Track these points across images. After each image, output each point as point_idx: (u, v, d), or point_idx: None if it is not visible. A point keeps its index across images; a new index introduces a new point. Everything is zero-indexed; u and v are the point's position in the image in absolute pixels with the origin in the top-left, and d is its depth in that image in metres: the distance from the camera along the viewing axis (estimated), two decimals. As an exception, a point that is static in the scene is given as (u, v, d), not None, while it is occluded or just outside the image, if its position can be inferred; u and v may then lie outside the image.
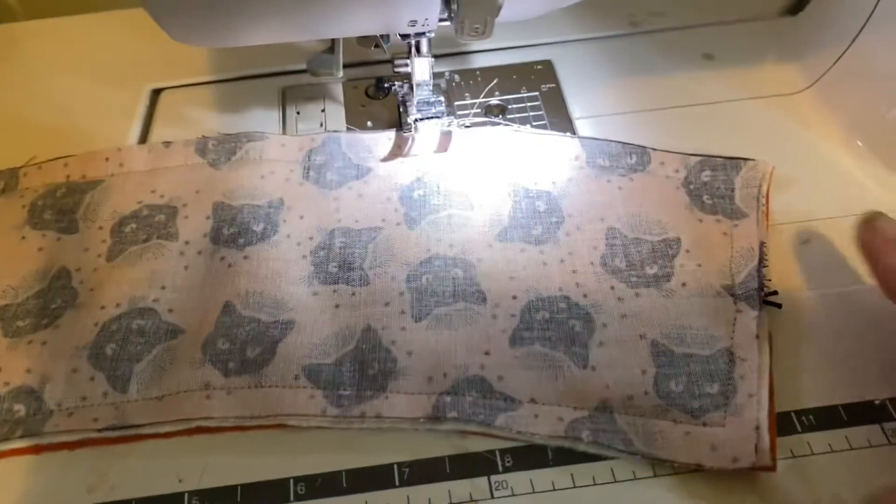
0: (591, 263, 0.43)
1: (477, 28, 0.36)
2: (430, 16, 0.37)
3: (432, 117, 0.50)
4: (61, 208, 0.47)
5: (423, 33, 0.45)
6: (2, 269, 0.45)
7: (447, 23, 0.40)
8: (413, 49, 0.47)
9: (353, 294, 0.43)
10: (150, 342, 0.41)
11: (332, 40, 0.45)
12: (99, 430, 0.38)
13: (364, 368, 0.40)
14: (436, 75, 0.50)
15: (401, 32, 0.42)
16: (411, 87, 0.50)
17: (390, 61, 0.49)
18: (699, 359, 0.39)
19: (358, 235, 0.45)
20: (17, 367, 0.40)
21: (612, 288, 0.42)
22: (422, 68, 0.48)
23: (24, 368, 0.40)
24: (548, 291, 0.42)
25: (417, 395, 0.39)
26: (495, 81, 0.54)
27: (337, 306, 0.42)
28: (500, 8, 0.36)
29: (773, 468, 0.35)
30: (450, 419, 0.37)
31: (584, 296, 0.41)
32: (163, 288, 0.43)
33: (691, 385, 0.38)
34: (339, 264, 0.44)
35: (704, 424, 0.37)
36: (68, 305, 0.43)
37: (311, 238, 0.45)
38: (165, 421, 0.38)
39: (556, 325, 0.40)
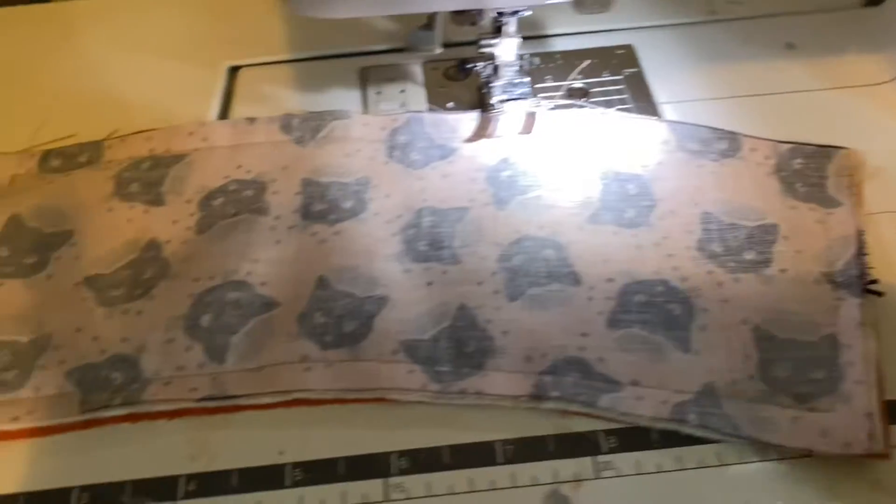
0: (688, 248, 0.42)
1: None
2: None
3: (517, 98, 0.50)
4: (147, 181, 0.47)
5: (516, 12, 0.45)
6: (92, 242, 0.45)
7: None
8: (500, 30, 0.47)
9: (445, 272, 0.42)
10: (245, 314, 0.41)
11: (430, 17, 0.45)
12: (197, 400, 0.38)
13: (461, 346, 0.39)
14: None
15: (508, 8, 0.42)
16: (495, 69, 0.50)
17: (474, 42, 0.48)
18: (803, 344, 0.38)
19: (445, 215, 0.45)
20: (113, 335, 0.40)
21: (711, 273, 0.41)
22: (509, 49, 0.48)
23: (119, 337, 0.40)
24: (644, 275, 0.41)
25: (516, 374, 0.38)
26: (587, 63, 0.54)
27: (429, 284, 0.42)
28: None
29: (887, 456, 0.35)
30: (552, 398, 0.37)
31: (682, 280, 0.41)
32: (255, 261, 0.43)
33: (797, 370, 0.37)
34: (428, 243, 0.44)
35: (812, 410, 0.36)
36: (161, 276, 0.43)
37: (399, 216, 0.45)
38: (265, 392, 0.38)
39: (654, 308, 0.40)
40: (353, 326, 0.40)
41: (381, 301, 0.41)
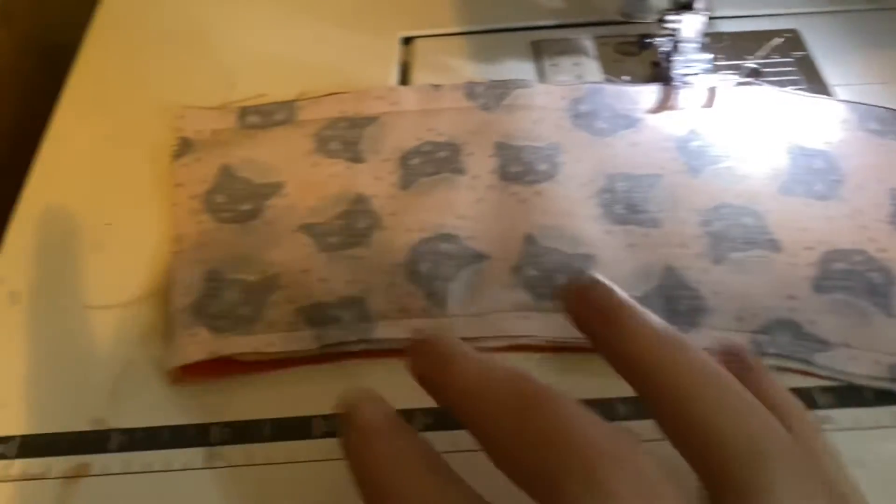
0: (879, 221, 0.44)
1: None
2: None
3: (700, 73, 0.51)
4: (345, 139, 0.50)
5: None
6: (302, 192, 0.47)
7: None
8: (687, 6, 0.49)
9: (646, 235, 0.44)
10: (458, 264, 0.43)
11: (642, -14, 0.47)
12: None
13: (672, 304, 0.41)
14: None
15: None
16: (675, 44, 0.52)
17: (660, 20, 0.50)
18: None
19: (639, 181, 0.47)
20: (338, 277, 0.43)
21: None
22: (694, 24, 0.50)
23: (344, 279, 0.42)
24: (841, 244, 0.43)
25: (730, 333, 0.40)
26: (778, 41, 0.55)
27: (631, 245, 0.44)
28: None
29: None
30: (771, 355, 0.39)
31: (880, 251, 0.43)
32: (461, 217, 0.45)
33: None
34: (625, 206, 0.45)
35: None
36: (374, 227, 0.45)
37: (592, 181, 0.47)
38: (491, 336, 0.40)
39: (855, 276, 0.42)
40: (566, 280, 0.42)
41: (588, 259, 0.43)
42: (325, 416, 0.39)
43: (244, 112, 0.52)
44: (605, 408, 0.39)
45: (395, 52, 0.58)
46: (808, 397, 0.39)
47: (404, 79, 0.57)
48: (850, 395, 0.39)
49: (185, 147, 0.50)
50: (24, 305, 0.44)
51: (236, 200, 0.47)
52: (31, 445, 0.38)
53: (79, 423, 0.39)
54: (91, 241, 0.47)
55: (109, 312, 0.44)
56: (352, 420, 0.27)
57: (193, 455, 0.38)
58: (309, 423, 0.39)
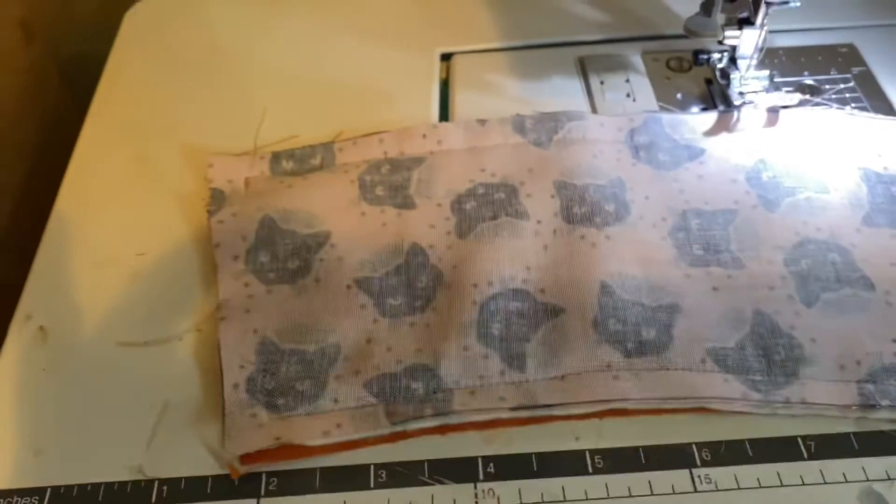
0: None
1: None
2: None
3: (760, 91, 0.49)
4: (392, 184, 0.47)
5: (787, 2, 0.44)
6: (351, 244, 0.44)
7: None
8: (747, 20, 0.47)
9: (730, 276, 0.41)
10: (532, 323, 0.40)
11: (707, 2, 0.44)
12: (511, 410, 0.37)
13: (769, 354, 0.38)
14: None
15: None
16: (732, 60, 0.50)
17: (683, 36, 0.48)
18: None
19: (713, 217, 0.44)
20: (407, 346, 0.39)
21: None
22: (756, 40, 0.48)
23: (413, 348, 0.39)
24: None
25: (835, 383, 0.37)
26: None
27: (714, 289, 0.41)
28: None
29: None
30: (884, 407, 0.36)
31: None
32: (528, 268, 0.42)
33: None
34: (702, 246, 0.43)
35: None
36: (437, 285, 0.42)
37: (663, 219, 0.44)
38: (580, 402, 0.37)
39: None
40: (653, 335, 0.39)
41: (673, 308, 0.40)
42: (380, 465, 0.36)
43: (277, 157, 0.49)
44: (683, 453, 0.36)
45: (434, 69, 0.56)
46: (901, 441, 0.36)
47: (444, 98, 0.54)
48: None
49: (219, 201, 0.46)
50: (55, 342, 0.42)
51: (282, 258, 0.43)
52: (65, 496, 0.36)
53: (116, 472, 0.37)
54: (123, 273, 0.44)
55: (144, 350, 0.41)
56: None
57: (241, 507, 0.35)
58: (367, 471, 0.36)
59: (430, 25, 0.59)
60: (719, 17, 0.45)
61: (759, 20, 0.47)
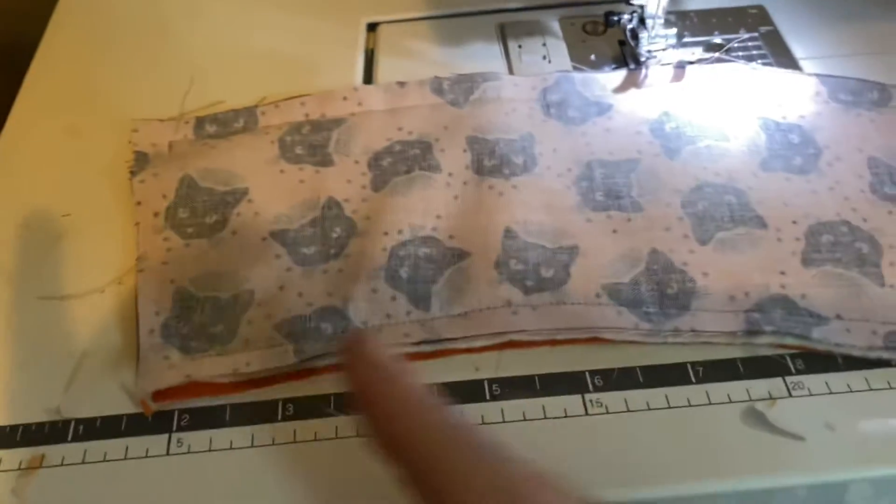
0: (861, 191, 0.44)
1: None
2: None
3: (666, 48, 0.51)
4: (311, 143, 0.48)
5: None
6: (269, 199, 0.45)
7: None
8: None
9: (629, 220, 0.43)
10: (439, 266, 0.42)
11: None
12: (414, 344, 0.39)
13: (662, 288, 0.40)
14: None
15: None
16: (642, 21, 0.51)
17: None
18: None
19: (617, 166, 0.46)
20: (318, 290, 0.41)
21: (890, 213, 0.42)
22: (661, 0, 0.49)
23: (324, 292, 0.41)
24: (826, 217, 0.42)
25: (723, 313, 0.39)
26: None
27: (615, 231, 0.43)
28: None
29: None
30: (767, 332, 0.38)
31: (864, 220, 0.42)
32: (438, 217, 0.44)
33: None
34: (604, 193, 0.45)
35: None
36: (350, 234, 0.43)
37: (569, 169, 0.46)
38: (479, 335, 0.39)
39: (842, 247, 0.41)
40: (552, 273, 0.41)
41: (572, 250, 0.42)
42: (288, 399, 0.38)
43: (201, 122, 0.50)
44: (578, 379, 0.38)
45: (360, 39, 0.57)
46: (782, 364, 0.38)
47: (369, 66, 0.56)
48: (820, 361, 0.38)
49: (141, 162, 0.48)
50: (-19, 298, 0.43)
51: (200, 213, 0.45)
52: (-15, 438, 0.37)
53: (35, 415, 0.38)
54: (49, 234, 0.46)
55: (66, 303, 0.42)
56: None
57: (153, 442, 0.37)
58: (276, 405, 0.38)
59: (357, -3, 0.60)
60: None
61: (663, -20, 0.49)
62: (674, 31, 0.52)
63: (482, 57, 0.55)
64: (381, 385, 0.28)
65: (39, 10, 0.63)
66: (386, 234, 0.43)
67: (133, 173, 0.47)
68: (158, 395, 0.38)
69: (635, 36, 0.52)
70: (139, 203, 0.46)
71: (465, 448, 0.26)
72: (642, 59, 0.51)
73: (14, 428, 0.38)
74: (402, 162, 0.47)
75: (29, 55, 0.59)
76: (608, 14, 0.53)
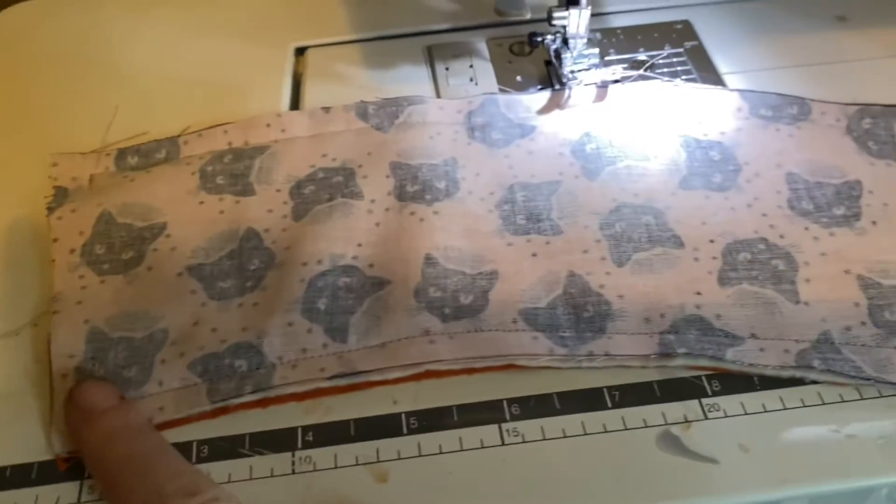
0: (780, 207, 0.44)
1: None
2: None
3: (589, 68, 0.51)
4: (232, 173, 0.48)
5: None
6: (186, 233, 0.45)
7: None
8: (574, 1, 0.49)
9: (548, 243, 0.43)
10: (359, 296, 0.41)
11: (517, -16, 0.46)
12: (328, 379, 0.38)
13: (579, 312, 0.40)
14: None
15: None
16: (565, 41, 0.52)
17: (544, 19, 0.50)
18: None
19: (538, 189, 0.46)
20: (232, 326, 0.40)
21: (807, 229, 0.43)
22: (582, 20, 0.50)
23: (239, 327, 0.40)
24: (744, 234, 0.43)
25: (638, 336, 0.39)
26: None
27: (534, 255, 0.43)
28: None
29: None
30: (680, 355, 0.38)
31: (781, 237, 0.42)
32: (359, 245, 0.43)
33: None
34: (525, 216, 0.45)
35: None
36: (268, 266, 0.43)
37: (492, 193, 0.46)
38: (395, 366, 0.38)
39: (759, 265, 0.41)
40: (470, 300, 0.41)
41: (492, 275, 0.42)
42: (202, 441, 0.37)
43: (123, 153, 0.50)
44: (495, 408, 0.38)
45: (287, 64, 0.57)
46: (699, 386, 0.38)
47: (296, 91, 0.55)
48: (736, 381, 0.38)
49: (60, 198, 0.47)
50: None
51: (117, 249, 0.44)
52: None
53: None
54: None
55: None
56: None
57: (65, 490, 0.36)
58: (190, 447, 0.37)
59: (287, 21, 0.60)
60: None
61: (583, 1, 0.49)
62: (596, 50, 0.52)
63: (410, 80, 0.55)
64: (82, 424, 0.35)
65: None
66: (304, 264, 0.42)
67: (50, 209, 0.46)
68: (73, 454, 0.37)
69: (559, 56, 0.52)
70: (56, 240, 0.45)
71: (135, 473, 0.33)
72: (566, 79, 0.51)
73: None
74: (325, 189, 0.46)
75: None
76: (532, 35, 0.53)
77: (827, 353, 0.38)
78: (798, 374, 0.38)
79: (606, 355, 0.38)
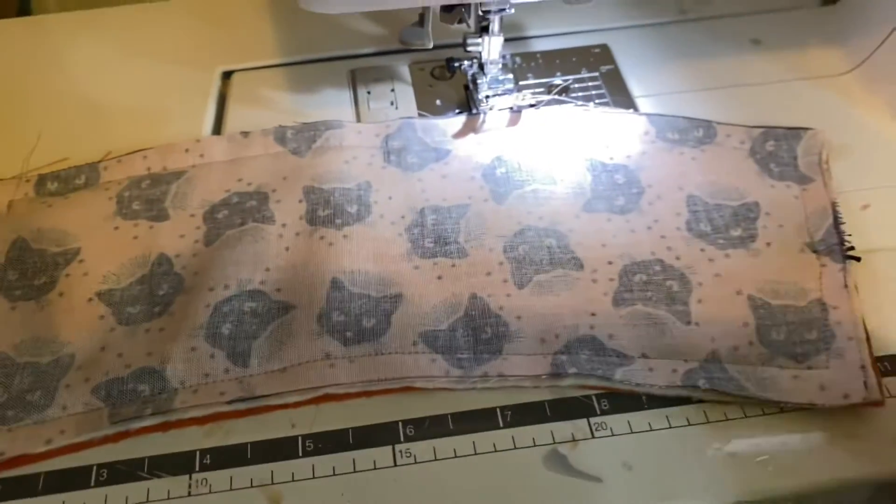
0: (678, 229, 0.45)
1: (587, -8, 0.38)
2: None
3: (503, 94, 0.52)
4: (148, 198, 0.49)
5: (501, 10, 0.48)
6: (99, 258, 0.45)
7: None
8: (485, 29, 0.50)
9: (454, 265, 0.44)
10: (263, 321, 0.42)
11: (421, 14, 0.47)
12: (228, 403, 0.39)
13: (477, 333, 0.41)
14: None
15: (493, 6, 0.45)
16: (481, 66, 0.53)
17: (458, 44, 0.51)
18: (795, 309, 0.41)
19: (448, 212, 0.47)
20: (138, 351, 0.41)
21: (703, 250, 0.44)
22: (494, 46, 0.51)
23: (145, 353, 0.41)
24: (641, 256, 0.44)
25: (533, 356, 0.40)
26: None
27: (440, 278, 0.44)
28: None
29: (882, 403, 0.38)
30: (570, 375, 0.39)
31: (677, 258, 0.44)
32: (267, 270, 0.44)
33: (791, 333, 0.40)
34: (434, 239, 0.46)
35: (810, 368, 0.39)
36: (177, 291, 0.44)
37: (402, 217, 0.47)
38: (293, 390, 0.39)
39: (654, 286, 0.43)
40: (373, 323, 0.42)
41: (396, 299, 0.43)
42: (102, 464, 0.38)
43: (42, 180, 0.50)
44: (389, 430, 0.39)
45: (213, 88, 0.58)
46: (588, 405, 0.39)
47: (220, 114, 0.56)
48: (624, 401, 0.40)
49: None
50: None
51: (30, 275, 0.45)
52: None
53: None
54: None
55: None
56: None
57: None
58: (90, 471, 0.38)
59: (214, 45, 0.61)
60: (430, 29, 0.48)
61: (493, 27, 0.50)
62: (511, 76, 0.53)
63: (332, 103, 0.56)
64: None
65: None
66: (211, 289, 0.43)
67: None
68: None
69: (475, 81, 0.53)
70: None
71: None
72: (481, 104, 0.52)
73: None
74: (238, 214, 0.47)
75: None
76: (449, 59, 0.54)
77: (714, 372, 0.39)
78: (684, 392, 0.39)
79: (500, 376, 0.40)
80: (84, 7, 0.67)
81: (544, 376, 0.40)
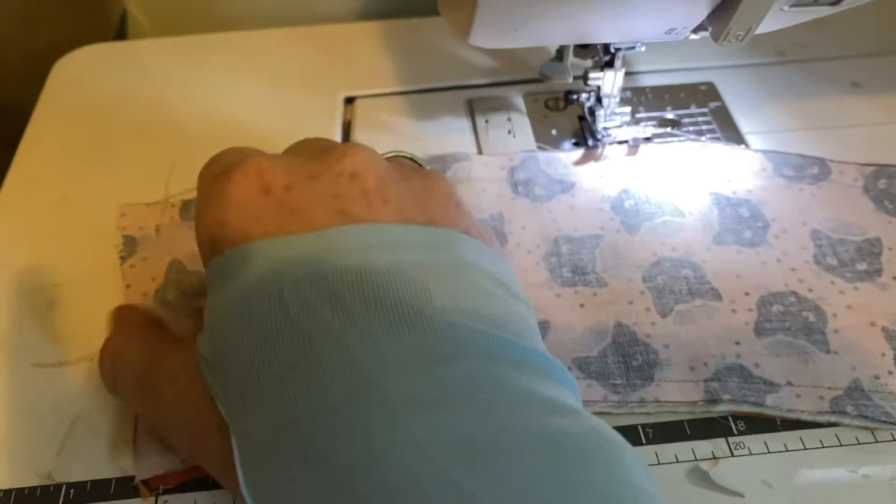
0: (806, 262, 0.47)
1: (739, 35, 0.41)
2: (689, 24, 0.42)
3: (621, 125, 0.55)
4: None
5: (633, 47, 0.50)
6: None
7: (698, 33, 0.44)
8: (608, 64, 0.53)
9: (595, 294, 0.47)
10: None
11: (559, 51, 0.50)
12: None
13: (628, 360, 0.43)
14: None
15: (651, 41, 0.48)
16: (598, 99, 0.56)
17: (583, 79, 0.54)
18: None
19: (581, 243, 0.49)
20: None
21: (833, 283, 0.46)
22: (617, 81, 0.54)
23: None
24: (775, 287, 0.46)
25: (684, 383, 0.42)
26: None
27: (582, 305, 0.46)
28: (763, 18, 0.40)
29: None
30: (725, 401, 0.41)
31: (809, 290, 0.46)
32: None
33: None
34: (571, 269, 0.48)
35: None
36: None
37: (538, 246, 0.49)
38: None
39: (791, 316, 0.45)
40: None
41: (544, 325, 0.45)
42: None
43: (188, 205, 0.53)
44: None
45: (338, 112, 0.61)
46: (726, 426, 0.41)
47: (346, 139, 0.59)
48: (760, 423, 0.42)
49: (130, 247, 0.51)
50: (-25, 365, 0.45)
51: (189, 296, 0.47)
52: (-20, 503, 0.40)
53: (27, 479, 0.40)
54: (42, 301, 0.49)
55: (58, 370, 0.45)
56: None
57: (140, 505, 0.39)
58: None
59: (336, 73, 0.64)
60: (570, 63, 0.51)
61: (617, 63, 0.53)
62: (628, 108, 0.56)
63: (452, 130, 0.59)
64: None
65: (35, 76, 0.66)
66: None
67: (122, 258, 0.50)
68: (155, 480, 0.40)
69: (592, 113, 0.56)
70: (129, 286, 0.48)
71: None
72: (599, 135, 0.55)
73: (7, 493, 0.40)
74: None
75: (24, 120, 0.62)
76: (567, 93, 0.57)
77: (859, 399, 0.41)
78: (833, 419, 0.41)
79: (657, 402, 0.42)
80: (177, 33, 0.71)
81: (700, 402, 0.41)
